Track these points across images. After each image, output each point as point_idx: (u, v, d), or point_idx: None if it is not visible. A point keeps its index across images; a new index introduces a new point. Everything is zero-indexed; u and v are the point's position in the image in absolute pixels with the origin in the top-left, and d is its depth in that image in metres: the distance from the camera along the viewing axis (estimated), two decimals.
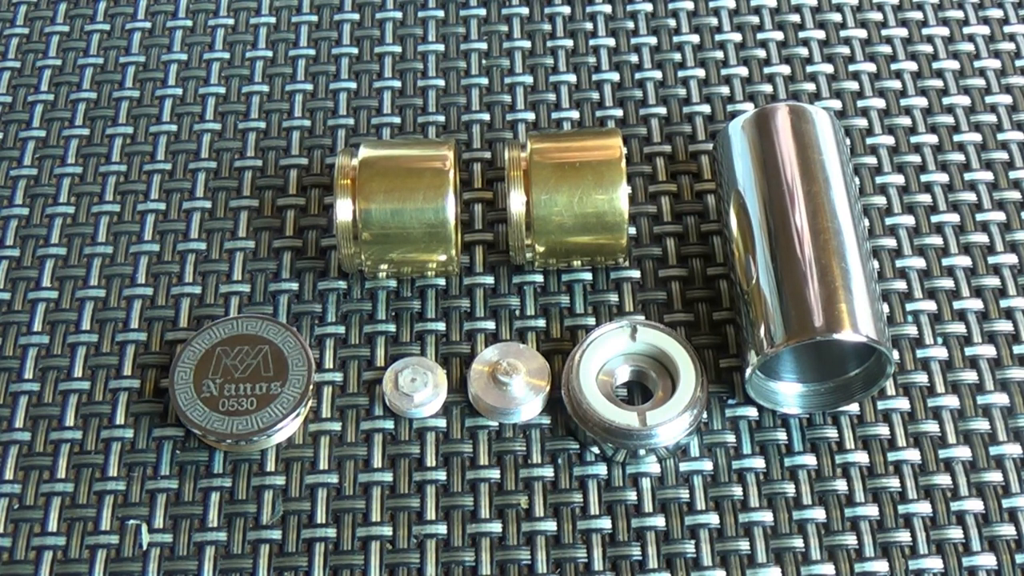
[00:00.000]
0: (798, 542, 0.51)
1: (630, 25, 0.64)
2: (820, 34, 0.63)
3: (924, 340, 0.55)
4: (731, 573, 0.50)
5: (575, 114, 0.61)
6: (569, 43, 0.64)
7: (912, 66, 0.62)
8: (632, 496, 0.52)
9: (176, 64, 0.63)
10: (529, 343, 0.55)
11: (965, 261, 0.57)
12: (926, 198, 0.58)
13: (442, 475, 0.52)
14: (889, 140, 0.60)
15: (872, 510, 0.51)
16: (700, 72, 0.62)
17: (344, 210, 0.53)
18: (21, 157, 0.60)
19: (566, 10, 0.65)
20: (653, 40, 0.63)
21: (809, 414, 0.53)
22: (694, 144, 0.60)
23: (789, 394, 0.53)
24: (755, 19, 0.64)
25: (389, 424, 0.53)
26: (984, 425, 0.53)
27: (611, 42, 0.63)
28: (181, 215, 0.59)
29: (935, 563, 0.50)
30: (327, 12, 0.65)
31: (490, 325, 0.55)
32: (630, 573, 0.50)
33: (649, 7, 0.65)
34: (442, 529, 0.51)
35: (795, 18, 0.64)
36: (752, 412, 0.53)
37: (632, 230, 0.58)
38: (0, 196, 0.59)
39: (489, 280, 0.57)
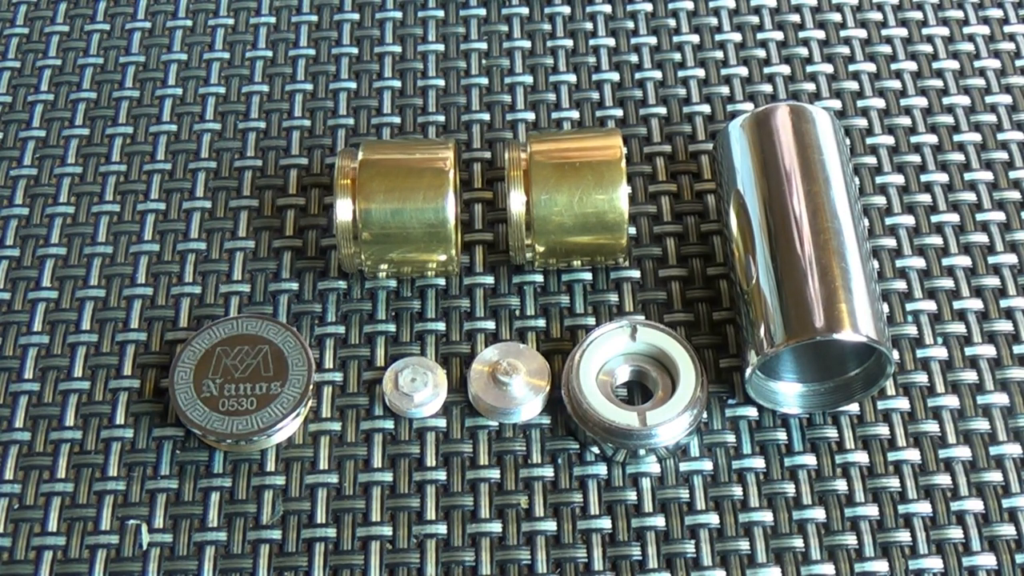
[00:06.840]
0: (798, 542, 0.51)
1: (630, 25, 0.64)
2: (820, 34, 0.63)
3: (924, 340, 0.55)
4: (731, 573, 0.50)
5: (575, 114, 0.61)
6: (569, 43, 0.64)
7: (912, 66, 0.62)
8: (632, 496, 0.52)
9: (176, 64, 0.63)
10: (529, 343, 0.55)
11: (965, 261, 0.57)
12: (926, 198, 0.58)
13: (442, 475, 0.52)
14: (889, 140, 0.60)
15: (872, 510, 0.51)
16: (700, 72, 0.62)
17: (344, 210, 0.53)
18: (21, 157, 0.60)
19: (566, 10, 0.65)
20: (653, 40, 0.63)
21: (809, 414, 0.53)
22: (694, 144, 0.60)
23: (789, 394, 0.53)
24: (755, 19, 0.64)
25: (389, 424, 0.53)
26: (984, 425, 0.53)
27: (611, 42, 0.63)
28: (181, 215, 0.59)
29: (935, 563, 0.50)
30: (327, 12, 0.65)
31: (490, 325, 0.55)
32: (630, 573, 0.50)
33: (649, 7, 0.65)
34: (442, 529, 0.51)
35: (795, 18, 0.64)
36: (752, 412, 0.53)
37: (632, 230, 0.58)
38: (0, 196, 0.59)
39: (489, 280, 0.57)
